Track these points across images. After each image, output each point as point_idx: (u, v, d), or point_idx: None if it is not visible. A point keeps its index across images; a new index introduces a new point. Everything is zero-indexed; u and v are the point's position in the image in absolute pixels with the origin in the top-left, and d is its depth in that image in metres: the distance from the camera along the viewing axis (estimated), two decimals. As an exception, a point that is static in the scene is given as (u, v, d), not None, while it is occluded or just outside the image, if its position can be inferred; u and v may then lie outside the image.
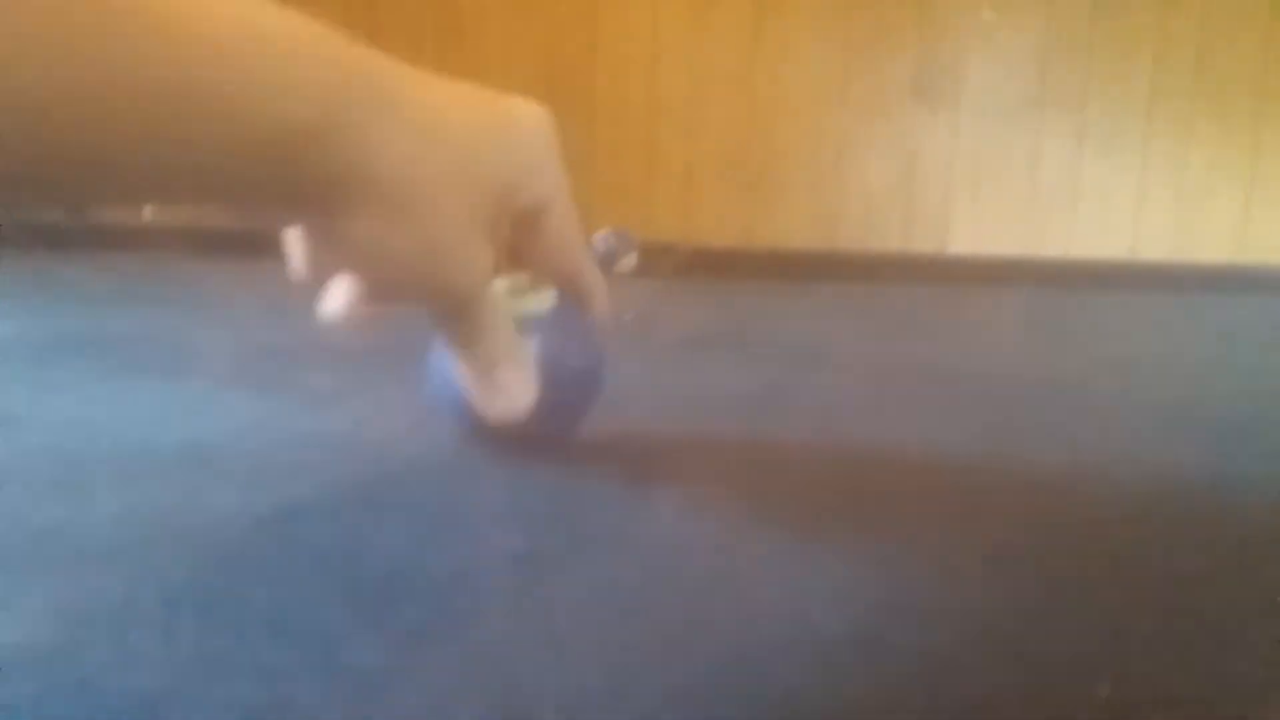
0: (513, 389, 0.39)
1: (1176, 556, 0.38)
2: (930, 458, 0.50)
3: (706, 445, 0.52)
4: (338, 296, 0.37)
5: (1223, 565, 0.37)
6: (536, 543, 0.38)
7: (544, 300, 0.45)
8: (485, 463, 0.48)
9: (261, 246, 0.40)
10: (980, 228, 2.16)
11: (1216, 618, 0.33)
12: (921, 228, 2.17)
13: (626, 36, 2.22)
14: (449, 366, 0.41)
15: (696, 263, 1.26)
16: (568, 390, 0.46)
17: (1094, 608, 0.33)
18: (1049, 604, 0.33)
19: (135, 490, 0.42)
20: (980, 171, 2.16)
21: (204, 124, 0.27)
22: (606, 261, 1.26)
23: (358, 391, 0.61)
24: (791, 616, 0.32)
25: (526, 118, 0.39)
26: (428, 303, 0.37)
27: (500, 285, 0.43)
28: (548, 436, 0.47)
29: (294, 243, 0.36)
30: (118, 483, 0.43)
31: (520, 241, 0.41)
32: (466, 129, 0.35)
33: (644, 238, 1.35)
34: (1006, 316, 1.06)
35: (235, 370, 0.68)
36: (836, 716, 0.26)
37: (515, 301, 0.44)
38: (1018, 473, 0.48)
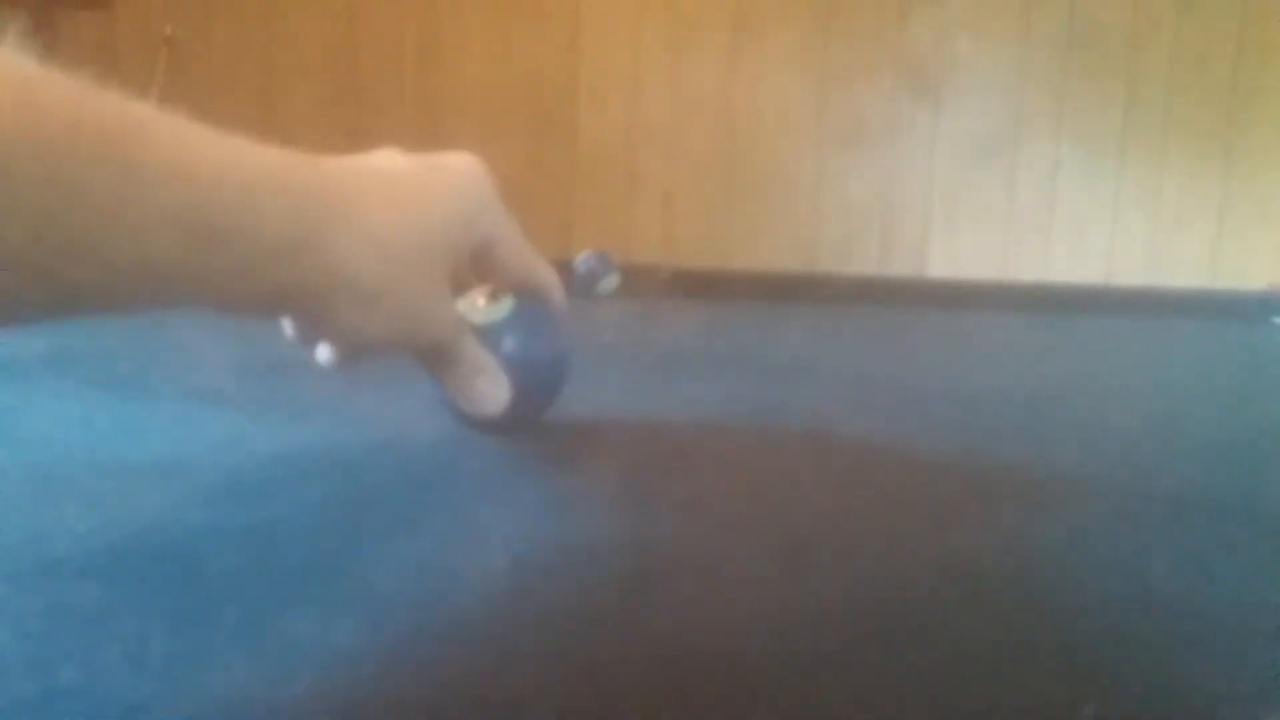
0: (488, 394, 0.47)
1: (1158, 573, 0.38)
2: (913, 474, 0.50)
3: (693, 460, 0.52)
4: (326, 352, 0.44)
5: (1208, 582, 0.37)
6: (521, 560, 0.37)
7: (503, 307, 0.50)
8: (465, 478, 0.47)
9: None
10: (957, 253, 2.18)
11: (1202, 634, 0.32)
12: (899, 253, 2.19)
13: (607, 62, 2.23)
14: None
15: (678, 284, 1.26)
16: (538, 380, 0.52)
17: (1079, 624, 0.33)
18: (1033, 620, 0.33)
19: (109, 506, 0.41)
20: (957, 198, 2.18)
21: (205, 248, 0.32)
22: (588, 282, 1.26)
23: (334, 408, 0.60)
24: (780, 627, 0.31)
25: (460, 172, 0.44)
26: (406, 355, 0.45)
27: (463, 302, 0.48)
28: (525, 421, 0.53)
29: (285, 320, 0.42)
30: (91, 498, 0.42)
31: (478, 267, 0.48)
32: (417, 209, 0.41)
33: (624, 260, 1.35)
34: (985, 338, 1.07)
35: (209, 387, 0.67)
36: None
37: (478, 314, 0.49)
38: (1000, 490, 0.48)
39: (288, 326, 0.43)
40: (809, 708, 0.27)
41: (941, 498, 0.47)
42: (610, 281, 1.27)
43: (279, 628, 0.31)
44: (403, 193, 0.41)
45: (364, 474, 0.48)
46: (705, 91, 2.21)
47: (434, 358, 0.46)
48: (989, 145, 2.15)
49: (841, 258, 2.19)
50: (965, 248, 2.18)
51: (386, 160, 0.42)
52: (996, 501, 0.46)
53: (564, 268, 1.30)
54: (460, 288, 0.48)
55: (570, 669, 0.29)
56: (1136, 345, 1.06)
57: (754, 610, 0.33)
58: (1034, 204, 2.15)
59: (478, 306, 0.50)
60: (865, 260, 2.19)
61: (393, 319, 0.40)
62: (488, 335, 0.47)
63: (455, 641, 0.30)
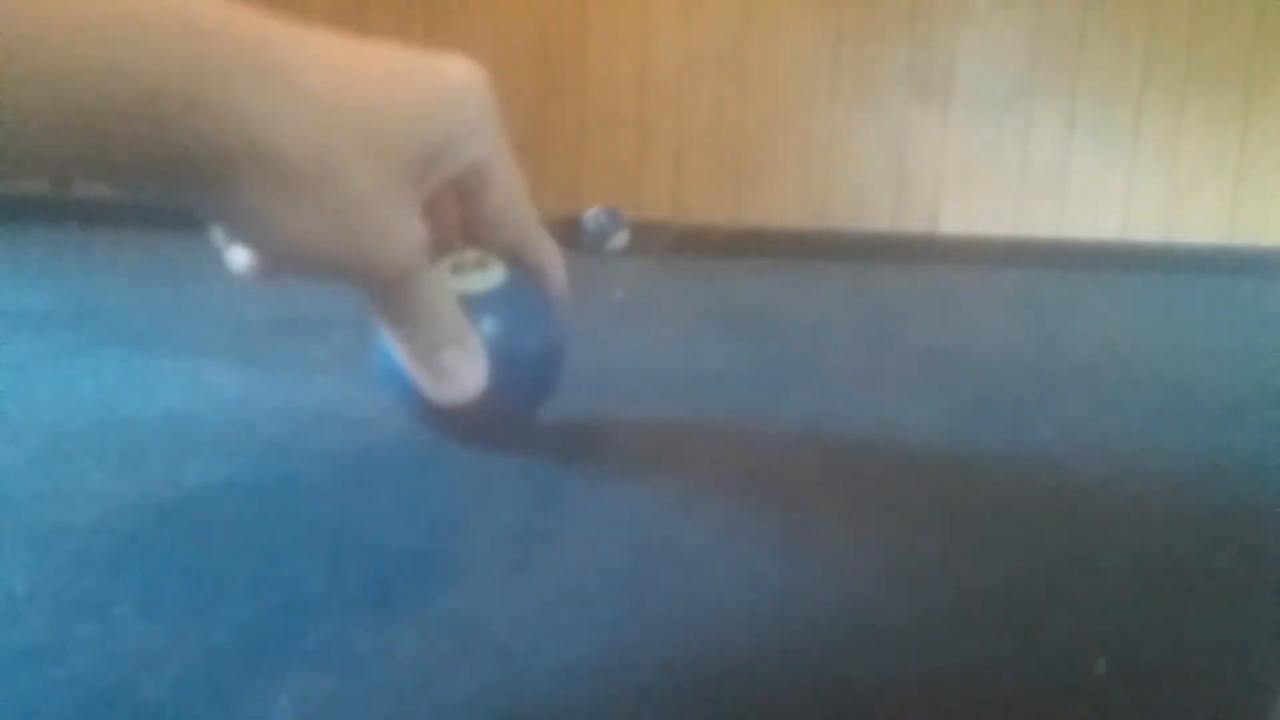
0: (459, 373, 0.37)
1: (1170, 534, 0.38)
2: (925, 436, 0.50)
3: (700, 422, 0.52)
4: (242, 255, 0.34)
5: (1216, 542, 0.37)
6: (528, 518, 0.37)
7: (491, 276, 0.41)
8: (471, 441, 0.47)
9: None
10: (971, 211, 2.16)
11: (1213, 596, 0.32)
12: (913, 210, 2.17)
13: (618, 14, 2.20)
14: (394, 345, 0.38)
15: (687, 241, 1.25)
16: (521, 372, 0.42)
17: (1089, 586, 0.33)
18: (1044, 582, 0.33)
19: (121, 461, 0.42)
20: (971, 155, 2.15)
21: (45, 98, 0.25)
22: (597, 239, 1.26)
23: (344, 364, 0.60)
24: (786, 591, 0.31)
25: (454, 77, 0.35)
26: (347, 279, 0.34)
27: (444, 263, 0.40)
28: (501, 422, 0.44)
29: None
30: (103, 453, 0.43)
31: (465, 212, 0.39)
32: (380, 91, 0.32)
33: (634, 216, 1.34)
34: (998, 296, 1.06)
35: (220, 343, 0.67)
36: (831, 692, 0.26)
37: (459, 279, 0.40)
38: (1011, 450, 0.48)
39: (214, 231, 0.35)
40: (819, 673, 0.27)
41: (951, 461, 0.47)
42: (619, 238, 1.27)
43: (289, 581, 0.31)
44: (368, 64, 0.32)
45: (374, 431, 0.48)
46: (716, 46, 2.18)
47: (386, 298, 0.35)
48: (1004, 100, 2.12)
49: (854, 214, 2.17)
50: (979, 204, 2.16)
51: (361, 43, 0.33)
52: (1007, 462, 0.46)
53: (573, 224, 1.29)
54: (442, 246, 0.39)
55: (572, 629, 0.29)
56: (1152, 302, 1.05)
57: (761, 578, 0.33)
58: (1049, 159, 2.13)
59: (461, 271, 0.40)
60: (878, 217, 2.17)
61: (326, 218, 0.31)
62: (466, 310, 0.38)
63: (461, 601, 0.31)
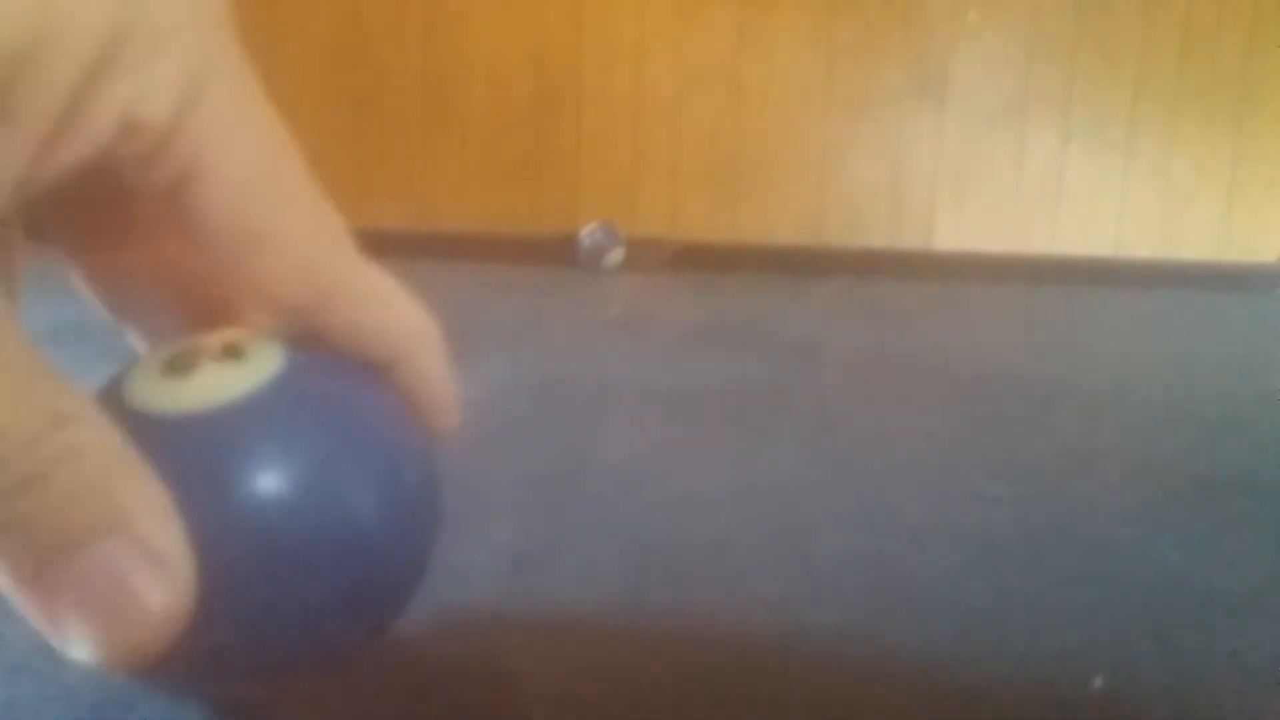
0: (121, 594, 0.18)
1: (1169, 547, 0.38)
2: (921, 450, 0.50)
3: (698, 440, 0.52)
4: None
5: (1216, 556, 0.37)
6: (525, 534, 0.37)
7: (250, 372, 0.21)
8: (470, 453, 0.47)
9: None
10: (965, 226, 2.17)
11: (1210, 609, 0.32)
12: (907, 225, 2.18)
13: (613, 32, 2.21)
14: None
15: (683, 258, 1.25)
16: (317, 568, 0.22)
17: (1088, 599, 0.33)
18: (1043, 596, 0.33)
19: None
20: (966, 170, 2.16)
21: None
22: (593, 256, 1.26)
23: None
24: (783, 608, 0.31)
25: None
26: None
27: (150, 359, 0.23)
28: (267, 678, 0.23)
29: None
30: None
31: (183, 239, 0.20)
32: None
33: (630, 233, 1.35)
34: (992, 311, 1.06)
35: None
36: (828, 710, 0.26)
37: (169, 385, 0.22)
38: (1009, 467, 0.48)
39: None
40: (815, 688, 0.27)
41: (947, 474, 0.47)
42: (616, 255, 1.27)
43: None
44: None
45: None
46: (712, 64, 2.19)
47: None
48: (997, 117, 2.13)
49: (849, 231, 2.17)
50: (973, 220, 2.17)
51: None
52: (1003, 477, 0.46)
53: (570, 241, 1.29)
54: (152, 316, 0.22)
55: (574, 641, 0.29)
56: (1146, 318, 1.05)
57: (758, 591, 0.33)
58: (1042, 176, 2.14)
59: (184, 369, 0.22)
60: (873, 234, 2.18)
61: None
62: (192, 447, 0.20)
63: (460, 608, 0.30)
